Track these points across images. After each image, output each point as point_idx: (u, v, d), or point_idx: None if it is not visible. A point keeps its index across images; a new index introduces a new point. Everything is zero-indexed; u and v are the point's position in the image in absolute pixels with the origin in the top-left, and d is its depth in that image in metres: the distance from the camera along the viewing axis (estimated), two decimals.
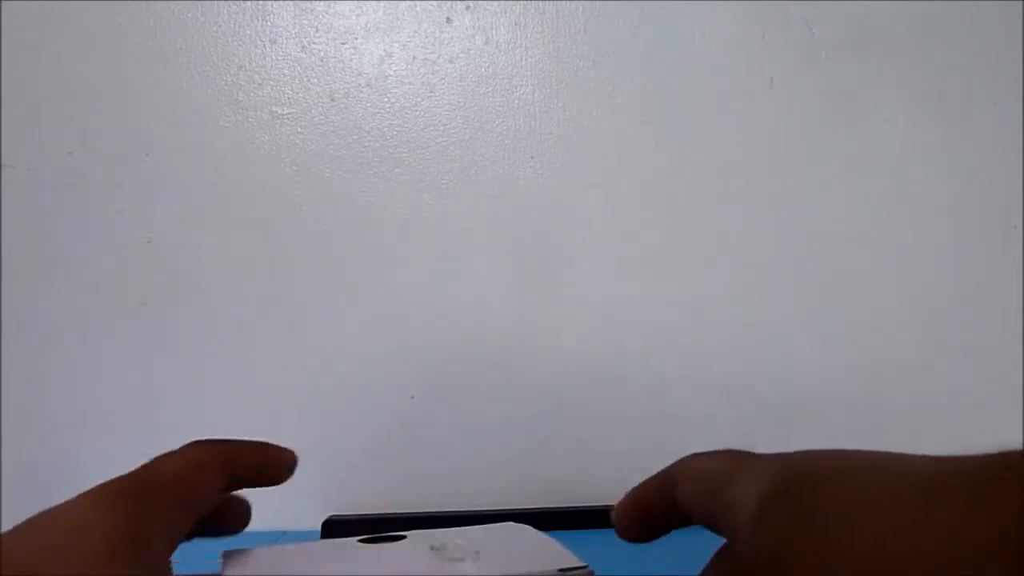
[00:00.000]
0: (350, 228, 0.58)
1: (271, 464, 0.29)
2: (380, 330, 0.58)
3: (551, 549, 0.33)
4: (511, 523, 0.39)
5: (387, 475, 0.58)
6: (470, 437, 0.58)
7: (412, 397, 0.58)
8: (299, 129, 0.58)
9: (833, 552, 0.17)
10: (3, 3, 0.56)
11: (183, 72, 0.57)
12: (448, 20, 0.59)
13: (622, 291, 0.60)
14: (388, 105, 0.59)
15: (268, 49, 0.58)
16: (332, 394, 0.57)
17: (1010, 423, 0.62)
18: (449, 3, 0.59)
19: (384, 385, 0.58)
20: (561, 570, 0.30)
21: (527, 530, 0.37)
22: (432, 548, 0.33)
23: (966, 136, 0.63)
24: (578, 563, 0.31)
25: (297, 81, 0.58)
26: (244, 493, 0.31)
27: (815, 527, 0.18)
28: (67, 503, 0.22)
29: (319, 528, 0.53)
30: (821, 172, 0.62)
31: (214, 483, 0.26)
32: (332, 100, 0.58)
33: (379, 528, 0.53)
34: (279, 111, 0.58)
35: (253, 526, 0.57)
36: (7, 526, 0.59)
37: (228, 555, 0.31)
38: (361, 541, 0.34)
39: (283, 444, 0.58)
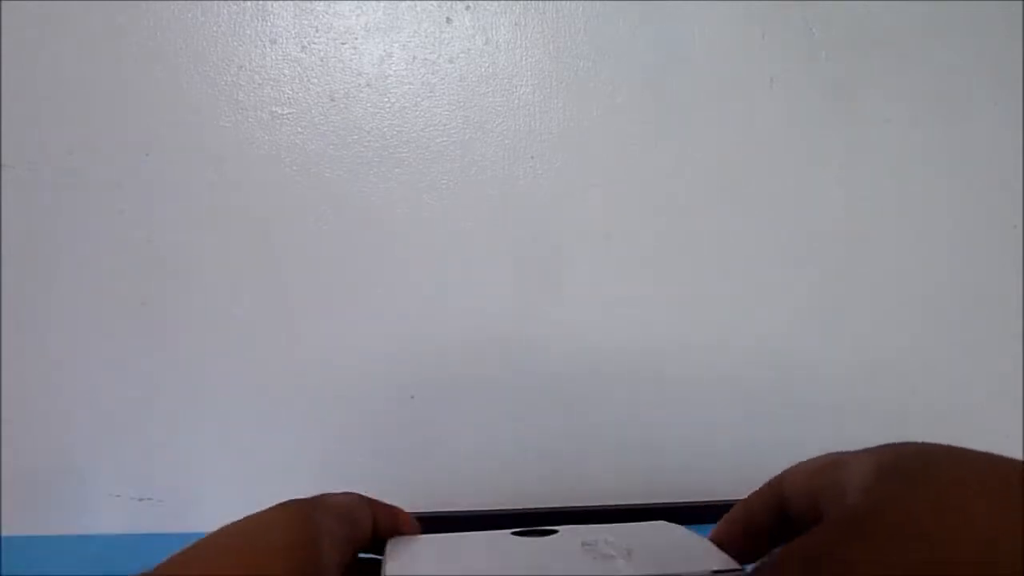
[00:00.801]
0: (350, 228, 0.58)
1: (401, 526, 0.34)
2: (380, 330, 0.58)
3: (703, 548, 0.33)
4: (662, 521, 0.39)
5: (387, 475, 0.58)
6: (470, 437, 0.58)
7: (412, 397, 0.58)
8: (299, 129, 0.58)
9: (946, 517, 0.18)
10: (3, 3, 0.56)
11: (183, 72, 0.57)
12: (448, 20, 0.59)
13: (622, 291, 0.60)
14: (388, 105, 0.59)
15: (268, 49, 0.58)
16: (332, 394, 0.57)
17: (1010, 423, 0.62)
18: (449, 3, 0.59)
19: (384, 385, 0.58)
20: (715, 571, 0.30)
21: (678, 529, 0.37)
22: (584, 544, 0.33)
23: (966, 136, 0.63)
24: (733, 564, 0.30)
25: (297, 81, 0.58)
26: None
27: (926, 493, 0.19)
28: (256, 513, 0.27)
29: None
30: (821, 172, 0.62)
31: (369, 520, 0.31)
32: (332, 100, 0.58)
33: None
34: (279, 111, 0.58)
35: None
36: (7, 525, 0.59)
37: (393, 541, 0.33)
38: (514, 534, 0.35)
39: (284, 444, 0.58)
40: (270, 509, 0.27)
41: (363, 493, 0.33)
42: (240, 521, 0.26)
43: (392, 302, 0.58)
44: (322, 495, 0.30)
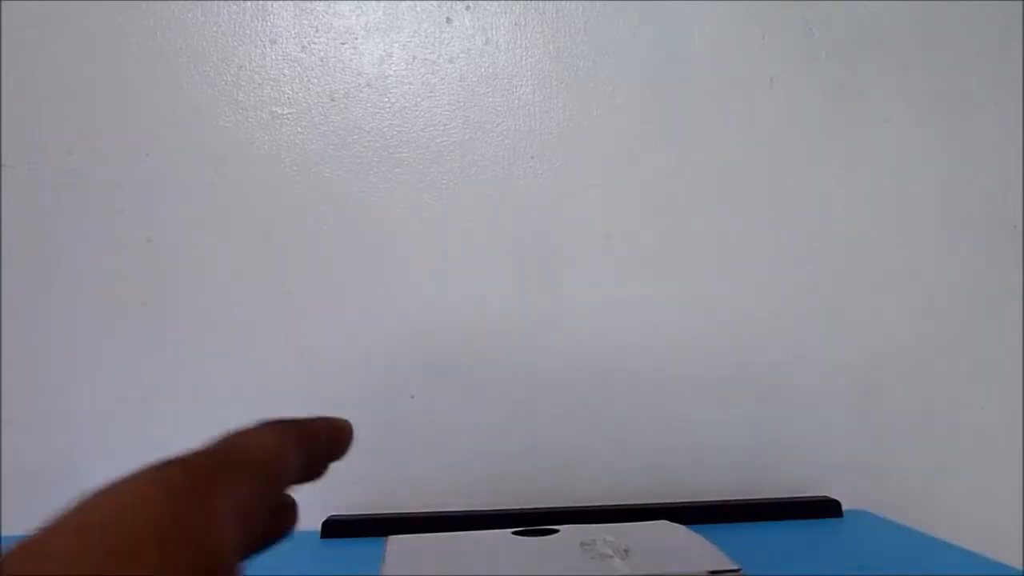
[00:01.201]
0: (350, 228, 0.58)
1: (339, 437, 0.28)
2: (380, 330, 0.58)
3: (702, 548, 0.33)
4: (663, 521, 0.39)
5: (387, 475, 0.58)
6: (470, 437, 0.58)
7: (412, 397, 0.58)
8: (299, 129, 0.58)
9: None
10: (3, 3, 0.56)
11: (183, 72, 0.57)
12: (448, 20, 0.59)
13: (622, 291, 0.60)
14: (388, 105, 0.59)
15: (268, 49, 0.58)
16: (332, 394, 0.57)
17: (1010, 423, 0.62)
18: (449, 3, 0.59)
19: (384, 385, 0.58)
20: (712, 572, 0.30)
21: (679, 529, 0.37)
22: (582, 544, 0.33)
23: (966, 136, 0.63)
24: (730, 564, 0.30)
25: (297, 81, 0.58)
26: None
27: None
28: (129, 476, 0.19)
29: (319, 528, 0.53)
30: (821, 172, 0.62)
31: (294, 459, 0.24)
32: (332, 100, 0.58)
33: (378, 528, 0.53)
34: (279, 111, 0.58)
35: None
36: (7, 525, 0.58)
37: (392, 542, 0.33)
38: (515, 533, 0.35)
39: None
40: (141, 476, 0.19)
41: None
42: (110, 499, 0.18)
43: (392, 302, 0.58)
44: (229, 437, 0.22)
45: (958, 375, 0.62)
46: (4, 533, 0.55)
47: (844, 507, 0.56)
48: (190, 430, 0.57)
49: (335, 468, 0.61)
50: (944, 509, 0.61)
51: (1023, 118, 0.64)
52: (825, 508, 0.56)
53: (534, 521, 0.41)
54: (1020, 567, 0.59)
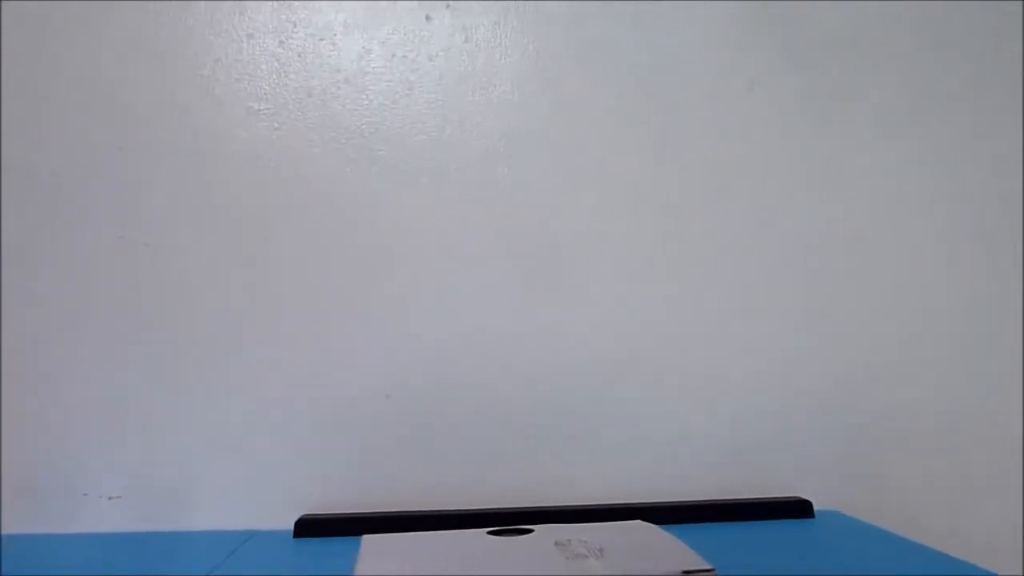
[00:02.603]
0: (327, 225, 0.57)
1: None
2: (357, 329, 0.58)
3: (675, 549, 0.33)
4: (638, 521, 0.40)
5: (379, 475, 0.57)
6: (466, 437, 0.58)
7: (387, 397, 0.58)
8: (276, 125, 0.57)
9: None
10: (3, 3, 0.56)
11: (159, 65, 0.57)
12: (428, 17, 0.59)
13: (604, 290, 0.59)
14: (367, 102, 0.58)
15: (245, 44, 0.57)
16: (318, 393, 0.57)
17: (1010, 423, 0.62)
18: (429, 0, 0.59)
19: (371, 385, 0.57)
20: (685, 572, 0.30)
21: (654, 529, 0.37)
22: (557, 544, 0.34)
23: (965, 137, 0.63)
24: (703, 564, 0.31)
25: (274, 76, 0.58)
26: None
27: None
28: None
29: (292, 527, 0.53)
30: (814, 172, 0.61)
31: None
32: (310, 96, 0.58)
33: (351, 527, 0.53)
34: (256, 107, 0.57)
35: (225, 525, 0.57)
36: (7, 525, 0.58)
37: (367, 541, 0.34)
38: (490, 533, 0.36)
39: (281, 444, 0.57)
40: None
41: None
42: None
43: (371, 300, 0.58)
44: None
45: (958, 375, 0.62)
46: (4, 533, 0.55)
47: (816, 508, 0.57)
48: (186, 429, 0.57)
49: (330, 468, 0.60)
50: (936, 512, 0.60)
51: (1022, 117, 0.63)
52: (797, 509, 0.56)
53: (509, 521, 0.42)
54: (1020, 569, 0.59)
